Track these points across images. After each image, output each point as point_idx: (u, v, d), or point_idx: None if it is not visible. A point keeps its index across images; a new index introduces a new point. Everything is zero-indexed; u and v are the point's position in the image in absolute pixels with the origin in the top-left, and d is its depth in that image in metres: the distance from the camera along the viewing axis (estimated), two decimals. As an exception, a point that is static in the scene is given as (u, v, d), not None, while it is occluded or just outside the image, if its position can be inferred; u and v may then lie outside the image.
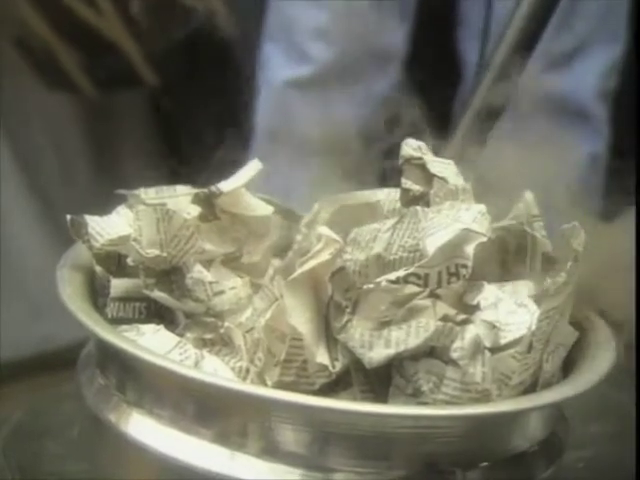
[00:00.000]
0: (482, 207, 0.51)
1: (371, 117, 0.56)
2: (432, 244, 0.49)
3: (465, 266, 0.48)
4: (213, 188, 0.55)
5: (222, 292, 0.51)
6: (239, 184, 0.56)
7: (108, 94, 1.29)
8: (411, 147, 0.55)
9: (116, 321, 0.52)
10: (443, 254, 0.48)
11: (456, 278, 0.49)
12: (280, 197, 0.59)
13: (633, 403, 0.62)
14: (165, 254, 0.52)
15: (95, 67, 1.24)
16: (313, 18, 1.05)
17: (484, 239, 0.49)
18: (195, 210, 0.54)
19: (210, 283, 0.52)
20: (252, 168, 0.57)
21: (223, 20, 1.23)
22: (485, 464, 0.48)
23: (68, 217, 0.54)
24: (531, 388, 0.48)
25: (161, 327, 0.52)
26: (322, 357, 0.47)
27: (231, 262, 0.55)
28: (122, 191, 0.56)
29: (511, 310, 0.48)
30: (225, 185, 0.56)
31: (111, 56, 1.21)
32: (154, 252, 0.52)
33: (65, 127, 1.37)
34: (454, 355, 0.47)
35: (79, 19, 1.19)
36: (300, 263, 0.48)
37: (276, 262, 0.57)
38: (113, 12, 1.18)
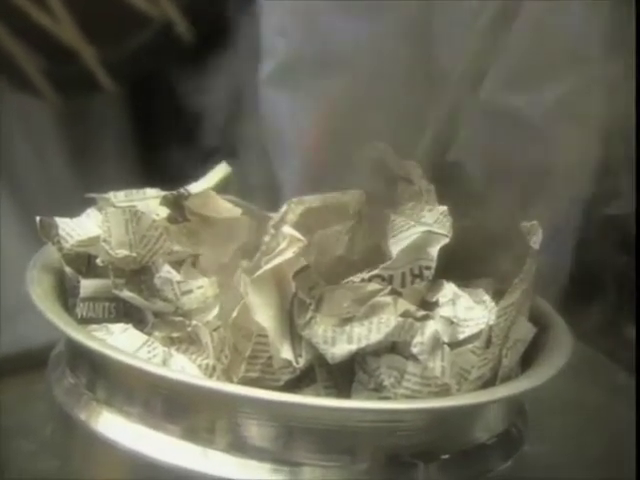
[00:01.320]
0: (444, 208, 0.51)
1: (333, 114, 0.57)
2: (395, 246, 0.49)
3: (429, 267, 0.49)
4: (182, 190, 0.55)
5: (190, 291, 0.52)
6: (207, 186, 0.56)
7: (68, 99, 1.28)
8: (377, 149, 0.55)
9: (85, 321, 0.52)
10: (406, 256, 0.49)
11: (420, 279, 0.49)
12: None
13: (591, 395, 0.63)
14: (134, 254, 0.52)
15: (55, 72, 1.23)
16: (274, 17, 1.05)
17: (446, 240, 0.49)
18: (164, 212, 0.54)
19: (178, 282, 0.52)
20: (220, 171, 0.57)
21: (181, 28, 1.23)
22: (446, 456, 0.48)
23: (37, 218, 0.54)
24: (490, 382, 0.49)
25: (129, 326, 0.52)
26: (286, 353, 0.47)
27: (201, 263, 0.55)
28: (92, 195, 0.56)
29: (469, 306, 0.49)
30: (194, 187, 0.56)
31: (70, 62, 1.21)
32: (123, 252, 0.52)
33: (42, 130, 1.36)
34: (414, 350, 0.47)
35: (37, 25, 1.18)
36: (265, 261, 0.48)
37: (245, 263, 0.57)
38: (68, 18, 1.18)
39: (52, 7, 1.17)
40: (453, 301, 0.49)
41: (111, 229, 0.53)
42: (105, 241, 0.53)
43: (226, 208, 0.57)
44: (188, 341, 0.51)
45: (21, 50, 1.20)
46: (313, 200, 0.52)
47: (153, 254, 0.52)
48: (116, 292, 0.52)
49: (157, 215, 0.54)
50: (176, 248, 0.53)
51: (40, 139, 1.34)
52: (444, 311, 0.49)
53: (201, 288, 0.52)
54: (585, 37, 0.87)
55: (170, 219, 0.54)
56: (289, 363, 0.47)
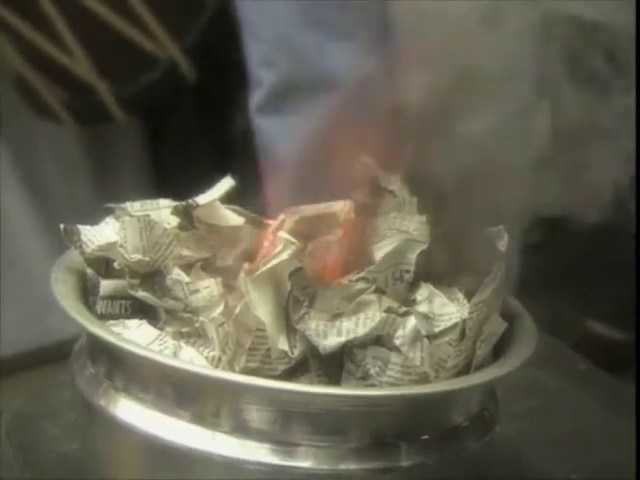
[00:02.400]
0: (423, 218, 0.51)
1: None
2: (379, 252, 0.49)
3: (408, 271, 0.49)
4: (191, 201, 0.55)
5: (197, 291, 0.51)
6: (213, 198, 0.56)
7: (84, 126, 1.29)
8: (363, 164, 0.55)
9: (104, 317, 0.52)
10: (389, 261, 0.49)
11: (400, 282, 0.50)
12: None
13: (555, 382, 0.63)
14: (147, 259, 0.52)
15: (73, 103, 1.24)
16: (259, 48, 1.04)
17: (424, 246, 0.50)
18: (174, 220, 0.54)
19: (187, 283, 0.52)
20: (225, 184, 0.57)
21: (184, 68, 1.24)
22: (425, 437, 0.48)
23: (61, 226, 0.54)
24: (465, 370, 0.49)
25: (144, 322, 0.52)
26: (283, 345, 0.47)
27: (208, 266, 0.55)
28: (111, 205, 0.56)
29: (444, 303, 0.49)
30: (201, 199, 0.56)
31: (86, 95, 1.21)
32: (137, 257, 0.52)
33: (67, 151, 1.37)
34: (397, 342, 0.47)
35: (58, 63, 1.19)
36: (263, 263, 0.48)
37: (246, 265, 0.57)
38: (85, 58, 1.18)
39: (71, 48, 1.17)
40: (429, 299, 0.49)
41: (127, 236, 0.53)
42: (122, 246, 0.53)
43: (230, 217, 0.57)
44: (196, 335, 0.50)
45: (44, 84, 1.20)
46: (306, 209, 0.52)
47: (164, 258, 0.52)
48: (131, 292, 0.52)
49: (168, 224, 0.53)
50: (185, 253, 0.53)
51: (66, 159, 1.34)
52: (421, 307, 0.49)
53: (207, 288, 0.52)
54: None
55: (180, 227, 0.54)
56: (285, 354, 0.47)
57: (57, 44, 1.16)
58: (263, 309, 0.47)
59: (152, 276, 0.53)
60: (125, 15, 1.19)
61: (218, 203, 0.57)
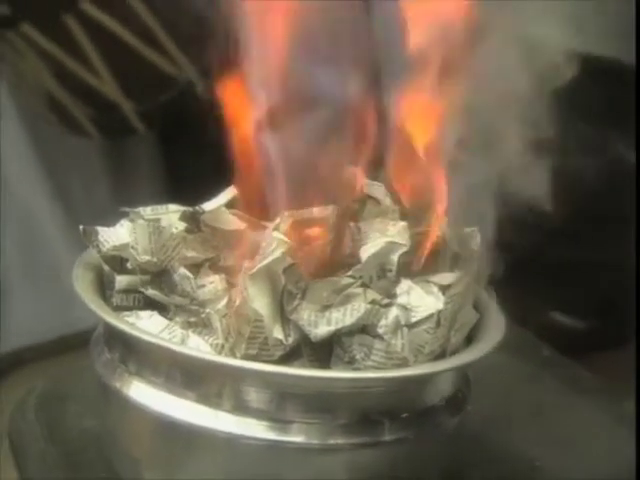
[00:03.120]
0: (404, 223, 0.51)
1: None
2: (365, 253, 0.49)
3: (390, 270, 0.49)
4: (197, 208, 0.55)
5: (204, 286, 0.51)
6: (219, 204, 0.56)
7: (110, 139, 1.29)
8: (350, 173, 0.55)
9: (119, 309, 0.52)
10: (373, 261, 0.49)
11: (383, 279, 0.49)
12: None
13: (521, 366, 0.63)
14: (155, 259, 0.52)
15: (100, 119, 1.24)
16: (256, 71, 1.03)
17: (405, 249, 0.49)
18: (182, 225, 0.54)
19: (194, 279, 0.52)
20: (229, 192, 0.57)
21: (200, 87, 1.24)
22: (405, 415, 0.48)
23: (81, 227, 0.54)
24: (440, 355, 0.49)
25: (155, 313, 0.51)
26: (278, 333, 0.47)
27: (213, 265, 0.55)
28: (125, 209, 0.56)
29: (421, 296, 0.48)
30: (207, 205, 0.56)
31: (111, 111, 1.22)
32: (146, 258, 0.52)
33: (89, 161, 1.37)
34: (380, 331, 0.47)
35: (86, 83, 1.19)
36: (259, 261, 0.48)
37: (246, 263, 0.57)
38: (110, 79, 1.18)
39: (99, 71, 1.18)
40: (408, 292, 0.49)
41: (137, 238, 0.52)
42: (133, 248, 0.52)
43: (233, 221, 0.56)
44: (202, 325, 0.50)
45: (75, 103, 1.21)
46: (300, 213, 0.52)
47: (171, 259, 0.52)
48: (142, 290, 0.52)
49: (176, 228, 0.53)
50: (190, 254, 0.52)
51: (88, 169, 1.34)
52: (401, 300, 0.48)
53: (213, 283, 0.51)
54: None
55: (187, 230, 0.54)
56: (280, 341, 0.47)
57: (87, 68, 1.17)
58: (260, 302, 0.47)
59: (160, 275, 0.52)
60: (148, 42, 1.20)
61: (223, 209, 0.56)
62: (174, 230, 0.53)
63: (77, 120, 1.23)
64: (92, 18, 1.16)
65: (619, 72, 0.93)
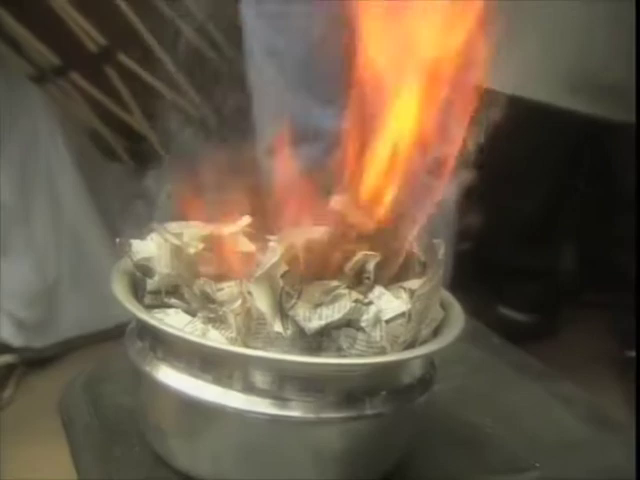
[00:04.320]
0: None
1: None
2: (348, 264, 0.49)
3: (368, 278, 0.49)
4: (215, 230, 0.54)
5: (222, 289, 0.50)
6: (235, 230, 0.55)
7: (139, 164, 1.29)
8: (339, 201, 0.54)
9: (151, 307, 0.51)
10: (354, 270, 0.49)
11: (362, 285, 0.49)
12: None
13: (476, 353, 0.62)
14: (174, 272, 0.51)
15: (132, 148, 1.24)
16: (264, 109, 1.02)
17: (378, 259, 0.49)
18: (201, 245, 0.53)
19: (215, 283, 0.51)
20: (245, 220, 0.56)
21: (212, 122, 1.23)
22: (383, 393, 0.48)
23: (117, 240, 0.54)
24: (411, 345, 0.48)
25: (179, 310, 0.51)
26: (278, 327, 0.46)
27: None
28: (154, 225, 0.55)
29: (390, 300, 0.48)
30: (225, 230, 0.55)
31: (141, 142, 1.22)
32: (166, 271, 0.51)
33: (123, 182, 1.36)
34: (362, 324, 0.47)
35: (121, 118, 1.19)
36: (260, 268, 0.47)
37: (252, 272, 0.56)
38: (140, 115, 1.18)
39: (132, 110, 1.18)
40: (379, 297, 0.48)
41: (161, 253, 0.52)
42: (157, 261, 0.52)
43: (245, 244, 0.55)
44: (220, 321, 0.49)
45: (112, 135, 1.21)
46: (296, 232, 0.51)
47: (187, 273, 0.51)
48: (166, 301, 0.52)
49: (195, 247, 0.52)
50: (202, 270, 0.51)
51: (122, 188, 1.34)
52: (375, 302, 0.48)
53: (230, 287, 0.51)
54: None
55: (205, 249, 0.53)
56: (280, 334, 0.46)
57: (122, 107, 1.17)
58: (262, 302, 0.46)
59: (178, 287, 0.52)
60: (172, 86, 1.20)
61: (237, 233, 0.55)
62: (191, 250, 0.52)
63: (114, 149, 1.24)
64: (127, 68, 1.16)
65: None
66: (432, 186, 0.50)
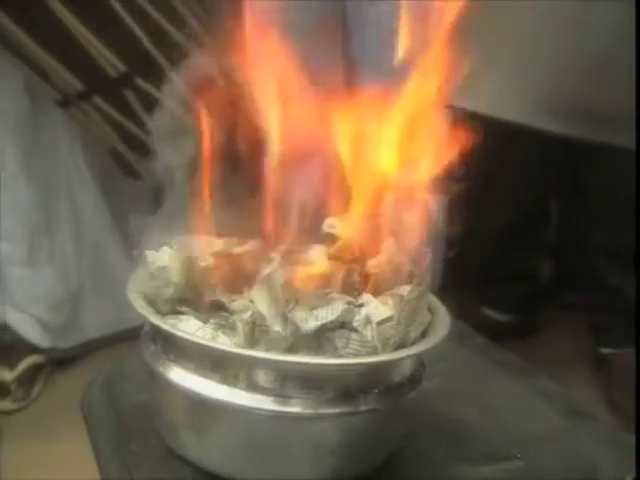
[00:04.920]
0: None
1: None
2: (337, 276, 0.50)
3: (357, 289, 0.49)
4: (225, 248, 0.54)
5: (235, 300, 0.50)
6: (242, 251, 0.55)
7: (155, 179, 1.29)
8: (331, 224, 0.54)
9: (164, 313, 0.51)
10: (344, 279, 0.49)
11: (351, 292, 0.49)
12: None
13: (461, 350, 0.62)
14: (183, 282, 0.51)
15: (149, 165, 1.24)
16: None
17: (363, 270, 0.50)
18: (210, 260, 0.53)
19: (229, 294, 0.51)
20: (253, 244, 0.55)
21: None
22: (376, 390, 0.48)
23: (134, 252, 0.53)
24: (402, 346, 0.48)
25: (190, 317, 0.50)
26: (277, 327, 0.46)
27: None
28: (168, 237, 0.55)
29: (376, 306, 0.48)
30: (237, 249, 0.55)
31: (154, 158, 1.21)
32: (176, 281, 0.51)
33: (141, 197, 1.36)
34: (355, 324, 0.47)
35: (139, 139, 1.19)
36: (262, 278, 0.48)
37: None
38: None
39: (145, 124, 1.17)
40: (367, 303, 0.48)
41: (173, 266, 0.51)
42: (169, 271, 0.51)
43: (249, 262, 0.55)
44: (230, 328, 0.49)
45: (130, 153, 1.21)
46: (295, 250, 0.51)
47: (197, 284, 0.51)
48: (178, 308, 0.51)
49: (205, 261, 0.52)
50: (212, 282, 0.51)
51: (140, 201, 1.34)
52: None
53: (242, 298, 0.50)
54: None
55: (215, 265, 0.52)
56: (279, 333, 0.46)
57: (140, 128, 1.17)
58: (263, 306, 0.47)
59: (192, 295, 0.52)
60: (186, 107, 1.19)
61: (244, 253, 0.55)
62: (202, 264, 0.52)
63: (131, 166, 1.23)
64: (144, 91, 1.16)
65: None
66: (422, 203, 0.50)
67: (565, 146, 1.15)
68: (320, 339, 0.47)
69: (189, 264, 0.51)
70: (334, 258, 0.50)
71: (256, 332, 0.47)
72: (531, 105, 0.57)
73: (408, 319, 0.48)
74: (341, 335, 0.47)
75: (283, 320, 0.47)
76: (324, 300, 0.47)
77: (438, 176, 0.49)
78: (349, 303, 0.47)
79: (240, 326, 0.48)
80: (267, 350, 0.46)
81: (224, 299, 0.50)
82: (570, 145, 1.09)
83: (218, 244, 0.54)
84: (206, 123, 0.54)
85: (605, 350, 1.25)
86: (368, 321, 0.47)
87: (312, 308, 0.47)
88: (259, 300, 0.47)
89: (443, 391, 0.55)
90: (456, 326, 0.51)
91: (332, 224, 0.52)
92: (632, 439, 0.54)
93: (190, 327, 0.49)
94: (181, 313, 0.51)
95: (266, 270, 0.48)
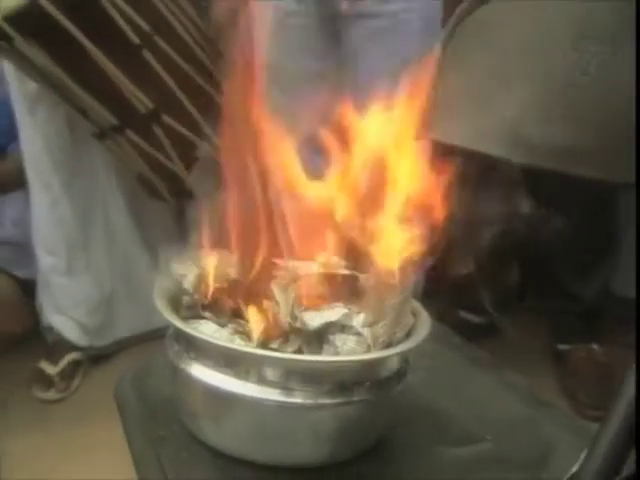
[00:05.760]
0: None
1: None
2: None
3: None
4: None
5: (252, 308, 0.50)
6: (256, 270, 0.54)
7: (178, 200, 1.28)
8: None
9: (186, 318, 0.51)
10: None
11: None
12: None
13: (440, 349, 0.61)
14: (197, 292, 0.51)
15: (171, 188, 1.23)
16: None
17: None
18: (232, 272, 0.52)
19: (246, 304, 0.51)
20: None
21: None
22: (368, 383, 0.48)
23: (160, 265, 0.53)
24: (389, 345, 0.48)
25: (209, 321, 0.51)
26: (287, 319, 0.47)
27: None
28: (188, 252, 0.54)
29: (369, 311, 0.48)
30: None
31: (178, 182, 1.21)
32: (190, 291, 0.51)
33: (165, 216, 1.36)
34: (354, 324, 0.47)
35: (164, 165, 1.19)
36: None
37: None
38: (178, 161, 1.18)
39: (173, 158, 1.17)
40: (362, 309, 0.49)
41: (190, 277, 0.52)
42: (188, 281, 0.52)
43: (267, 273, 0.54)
44: (245, 333, 0.49)
45: (156, 177, 1.20)
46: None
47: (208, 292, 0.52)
48: (201, 312, 0.51)
49: (227, 274, 0.52)
50: (231, 291, 0.51)
51: (165, 220, 1.34)
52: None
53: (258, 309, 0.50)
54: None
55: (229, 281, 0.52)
56: (289, 324, 0.47)
57: (165, 155, 1.16)
58: (281, 300, 0.47)
59: (211, 303, 0.52)
60: (204, 137, 1.19)
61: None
62: (213, 277, 0.52)
63: (157, 189, 1.23)
64: (169, 125, 1.16)
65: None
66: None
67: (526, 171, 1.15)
68: (323, 340, 0.47)
69: (202, 277, 0.51)
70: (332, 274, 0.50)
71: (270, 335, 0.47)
72: (499, 139, 0.57)
73: (394, 322, 0.48)
74: (340, 337, 0.47)
75: (293, 318, 0.47)
76: (329, 306, 0.47)
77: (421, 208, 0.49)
78: (349, 309, 0.48)
79: (255, 334, 0.48)
80: (279, 350, 0.47)
81: (244, 309, 0.50)
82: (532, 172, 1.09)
83: (233, 259, 0.54)
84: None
85: (562, 346, 1.25)
86: (365, 323, 0.47)
87: (318, 309, 0.47)
88: (277, 293, 0.47)
89: (425, 384, 0.55)
90: (436, 328, 0.51)
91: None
92: (584, 423, 0.54)
93: (208, 330, 0.50)
94: (202, 317, 0.51)
95: (283, 281, 0.48)
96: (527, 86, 0.56)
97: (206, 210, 0.52)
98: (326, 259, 0.50)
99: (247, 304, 0.50)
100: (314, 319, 0.47)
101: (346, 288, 0.49)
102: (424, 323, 0.51)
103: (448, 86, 0.54)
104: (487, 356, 0.65)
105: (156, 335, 0.57)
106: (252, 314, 0.49)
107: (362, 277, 0.49)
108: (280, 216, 0.52)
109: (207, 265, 0.51)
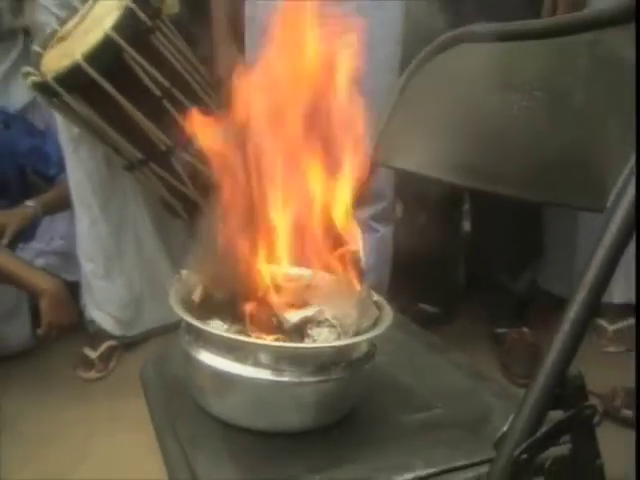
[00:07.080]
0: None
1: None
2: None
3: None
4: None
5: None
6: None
7: (193, 219, 1.26)
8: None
9: (197, 316, 0.49)
10: None
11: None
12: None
13: (400, 335, 0.60)
14: (201, 297, 0.50)
15: (188, 209, 1.22)
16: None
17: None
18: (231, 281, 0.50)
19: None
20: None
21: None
22: (343, 363, 0.47)
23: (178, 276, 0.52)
24: (358, 333, 0.48)
25: (216, 320, 0.49)
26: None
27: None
28: (196, 263, 0.53)
29: (340, 307, 0.48)
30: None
31: (195, 205, 1.19)
32: (194, 297, 0.50)
33: (183, 232, 1.34)
34: (328, 317, 0.47)
35: (181, 191, 1.18)
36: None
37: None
38: (192, 187, 1.17)
39: (188, 184, 1.17)
40: (334, 306, 0.48)
41: (196, 284, 0.51)
42: (192, 288, 0.51)
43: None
44: (244, 332, 0.48)
45: (174, 200, 1.20)
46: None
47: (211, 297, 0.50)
48: (209, 314, 0.49)
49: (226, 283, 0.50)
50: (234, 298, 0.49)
51: (182, 234, 1.32)
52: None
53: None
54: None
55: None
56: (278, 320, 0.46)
57: (181, 182, 1.16)
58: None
59: (219, 306, 0.50)
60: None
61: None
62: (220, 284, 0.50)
63: (176, 209, 1.22)
64: (185, 160, 1.15)
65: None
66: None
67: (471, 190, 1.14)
68: (303, 335, 0.47)
69: (204, 284, 0.50)
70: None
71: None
72: (445, 165, 0.56)
73: (360, 314, 0.48)
74: (317, 329, 0.47)
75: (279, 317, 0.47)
76: (305, 306, 0.47)
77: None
78: (321, 306, 0.47)
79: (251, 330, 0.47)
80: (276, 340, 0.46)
81: (246, 317, 0.49)
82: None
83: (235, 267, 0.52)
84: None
85: (499, 330, 1.25)
86: (334, 317, 0.47)
87: (298, 308, 0.47)
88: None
89: (389, 364, 0.54)
90: (397, 318, 0.50)
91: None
92: (517, 391, 0.53)
93: (216, 325, 0.48)
94: (210, 318, 0.50)
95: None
96: (467, 127, 0.55)
97: (205, 226, 0.51)
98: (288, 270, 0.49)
99: (243, 308, 0.49)
100: (293, 317, 0.47)
101: (320, 291, 0.48)
102: (387, 314, 0.51)
103: (404, 124, 0.53)
104: (439, 340, 0.65)
105: (175, 327, 0.56)
106: (249, 316, 0.48)
107: (320, 278, 0.48)
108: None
109: (207, 278, 0.50)
